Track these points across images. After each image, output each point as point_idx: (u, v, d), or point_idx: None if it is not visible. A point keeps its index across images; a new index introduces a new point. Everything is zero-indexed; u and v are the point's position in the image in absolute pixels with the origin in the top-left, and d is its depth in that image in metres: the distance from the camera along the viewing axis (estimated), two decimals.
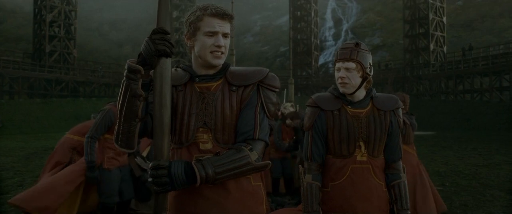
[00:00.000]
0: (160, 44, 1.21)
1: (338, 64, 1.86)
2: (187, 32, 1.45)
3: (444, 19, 33.31)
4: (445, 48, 32.93)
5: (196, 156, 1.38)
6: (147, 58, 1.22)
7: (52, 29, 32.57)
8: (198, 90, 1.43)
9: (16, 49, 37.01)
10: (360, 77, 1.82)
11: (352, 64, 1.81)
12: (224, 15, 1.41)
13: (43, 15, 32.20)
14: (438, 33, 32.73)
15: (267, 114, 1.44)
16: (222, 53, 1.42)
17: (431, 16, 32.14)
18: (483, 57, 28.77)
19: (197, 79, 1.44)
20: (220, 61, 1.43)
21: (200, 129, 1.40)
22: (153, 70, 1.26)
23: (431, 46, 31.91)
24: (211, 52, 1.40)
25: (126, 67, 1.24)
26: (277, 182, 5.24)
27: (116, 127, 1.30)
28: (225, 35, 1.42)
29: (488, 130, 21.12)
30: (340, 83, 1.82)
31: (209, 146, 1.40)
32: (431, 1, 32.25)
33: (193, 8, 1.45)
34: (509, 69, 26.01)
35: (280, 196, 5.05)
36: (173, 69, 1.47)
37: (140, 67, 1.22)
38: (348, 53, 1.82)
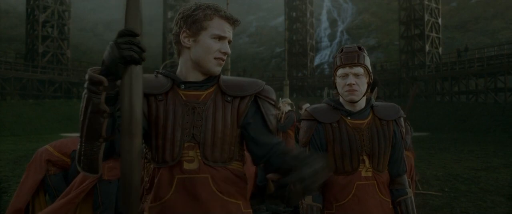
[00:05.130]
0: (126, 49, 0.98)
1: (343, 70, 1.66)
2: (185, 29, 1.24)
3: (440, 20, 33.38)
4: (440, 50, 32.99)
5: (179, 176, 1.19)
6: (111, 67, 0.99)
7: (45, 30, 32.15)
8: (184, 98, 1.24)
9: (9, 50, 36.58)
10: (367, 83, 1.67)
11: (360, 69, 1.64)
12: (235, 21, 1.27)
13: (36, 15, 31.80)
14: (434, 34, 32.78)
15: (270, 127, 1.29)
16: (223, 61, 1.27)
17: (426, 17, 32.18)
18: (478, 59, 28.85)
19: (182, 86, 1.24)
20: (220, 70, 1.28)
21: (186, 144, 1.21)
22: (120, 80, 1.04)
23: (427, 48, 31.94)
24: (215, 58, 1.24)
25: (86, 77, 1.02)
26: (263, 188, 5.09)
27: (78, 146, 1.10)
28: (229, 42, 1.28)
29: (484, 131, 21.12)
30: (349, 90, 1.63)
31: (194, 165, 1.20)
32: (427, 3, 32.29)
33: (196, 3, 1.26)
34: (504, 71, 26.08)
35: (275, 204, 4.88)
36: (153, 75, 1.29)
37: (103, 78, 1.00)
38: (355, 57, 1.64)
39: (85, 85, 1.03)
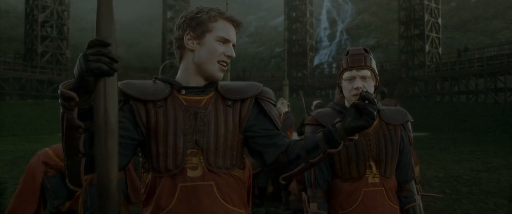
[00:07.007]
0: (93, 61, 0.90)
1: (350, 73, 1.60)
2: (189, 31, 1.22)
3: (439, 20, 33.31)
4: (440, 50, 32.93)
5: (182, 185, 1.15)
6: (80, 81, 0.92)
7: (44, 29, 32.10)
8: (185, 103, 1.20)
9: (9, 50, 36.53)
10: (374, 86, 1.61)
11: (367, 72, 1.58)
12: (239, 25, 1.27)
13: (35, 15, 31.74)
14: (433, 34, 32.73)
15: (278, 127, 1.29)
16: (227, 65, 1.25)
17: (426, 17, 32.11)
18: (478, 59, 28.82)
19: (183, 91, 1.21)
20: (222, 75, 1.25)
21: (189, 151, 1.17)
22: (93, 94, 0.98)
23: (427, 48, 31.89)
24: (219, 62, 1.22)
25: (59, 93, 0.96)
26: (264, 190, 5.06)
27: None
28: (233, 46, 1.27)
29: (484, 131, 21.08)
30: (356, 94, 1.57)
31: (198, 172, 1.16)
32: (427, 2, 32.23)
33: (197, 7, 1.24)
34: (504, 71, 26.04)
35: (275, 206, 4.85)
36: (151, 81, 1.25)
37: (73, 94, 0.92)
38: (362, 60, 1.58)
39: (59, 101, 0.97)
